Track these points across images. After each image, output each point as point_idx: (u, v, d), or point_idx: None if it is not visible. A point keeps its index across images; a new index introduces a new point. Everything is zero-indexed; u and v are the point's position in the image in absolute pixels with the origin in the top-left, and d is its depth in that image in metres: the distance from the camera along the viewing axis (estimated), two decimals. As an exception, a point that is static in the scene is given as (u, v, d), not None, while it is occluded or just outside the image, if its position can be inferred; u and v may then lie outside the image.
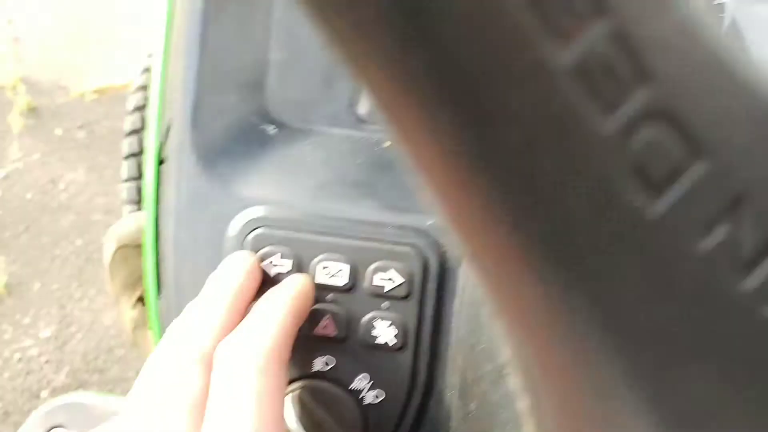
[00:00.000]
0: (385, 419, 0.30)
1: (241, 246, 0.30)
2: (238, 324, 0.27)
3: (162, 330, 0.35)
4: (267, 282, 0.29)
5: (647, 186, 0.10)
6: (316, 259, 0.29)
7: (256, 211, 0.30)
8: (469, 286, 0.29)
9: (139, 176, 0.96)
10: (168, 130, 0.33)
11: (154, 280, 0.35)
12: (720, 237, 0.10)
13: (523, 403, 0.14)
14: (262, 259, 0.29)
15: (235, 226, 0.30)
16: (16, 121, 1.38)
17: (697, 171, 0.10)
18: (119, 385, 1.16)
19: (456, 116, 0.10)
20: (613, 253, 0.10)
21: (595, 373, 0.11)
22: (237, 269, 0.28)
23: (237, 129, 0.32)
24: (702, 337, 0.10)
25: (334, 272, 0.29)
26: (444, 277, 0.30)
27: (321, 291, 0.30)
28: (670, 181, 0.10)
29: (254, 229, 0.30)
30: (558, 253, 0.10)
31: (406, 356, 0.30)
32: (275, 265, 0.29)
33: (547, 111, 0.10)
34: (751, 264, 0.10)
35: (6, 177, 1.35)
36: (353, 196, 0.31)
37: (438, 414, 0.30)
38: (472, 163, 0.10)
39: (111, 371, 1.18)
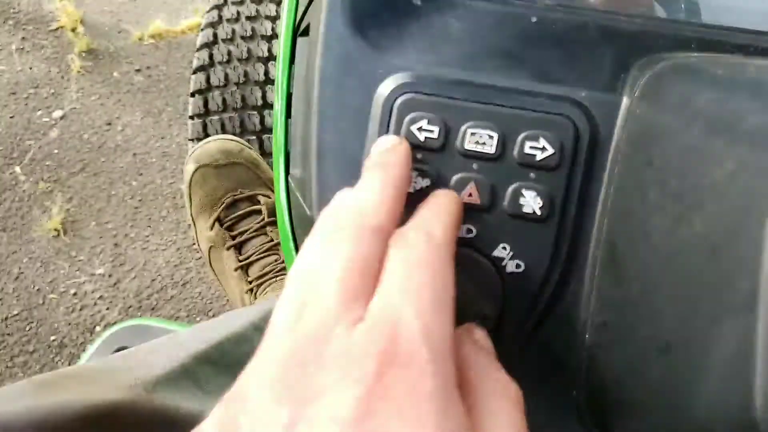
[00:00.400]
0: (524, 289, 0.30)
1: (389, 111, 0.30)
2: (401, 213, 0.27)
3: (289, 208, 0.35)
4: (415, 148, 0.29)
5: None
6: (464, 126, 0.29)
7: (405, 77, 0.30)
8: (624, 156, 0.28)
9: (205, 113, 0.97)
10: (310, 1, 0.33)
11: (283, 158, 0.35)
12: None
13: None
14: (410, 124, 0.29)
15: (383, 91, 0.30)
16: (75, 62, 1.40)
17: None
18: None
19: None
20: None
21: None
22: (399, 156, 0.28)
23: None
24: None
25: (482, 139, 0.29)
26: (594, 148, 0.29)
27: (468, 159, 0.29)
28: None
29: (403, 94, 0.30)
30: None
31: (550, 228, 0.29)
32: (423, 130, 0.29)
33: None
34: None
35: (64, 117, 1.36)
36: (503, 66, 0.30)
37: (578, 287, 0.30)
38: None
39: (163, 310, 1.20)
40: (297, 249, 0.35)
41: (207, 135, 0.98)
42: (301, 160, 0.33)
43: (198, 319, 1.22)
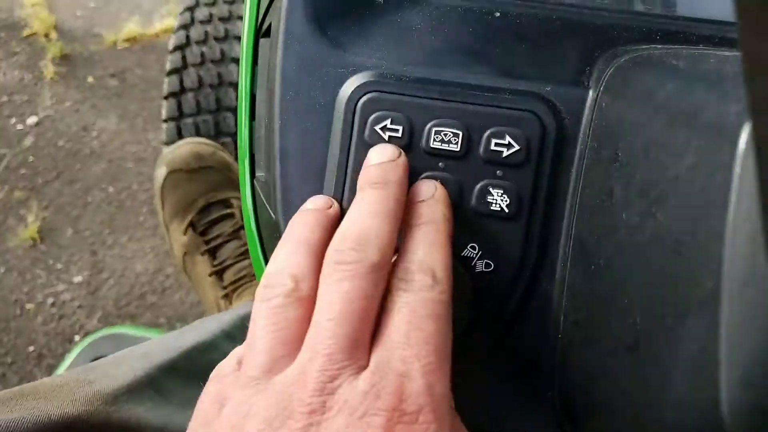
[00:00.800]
0: (494, 289, 0.29)
1: (352, 111, 0.29)
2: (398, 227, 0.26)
3: (255, 214, 0.34)
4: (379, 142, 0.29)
5: None
6: (429, 124, 0.29)
7: (368, 76, 0.29)
8: (591, 150, 0.28)
9: (179, 116, 0.96)
10: (271, 1, 0.32)
11: (247, 162, 0.34)
12: None
13: None
14: (374, 124, 0.29)
15: (346, 91, 0.29)
16: (48, 68, 1.38)
17: None
18: (152, 329, 1.17)
19: None
20: None
21: None
22: (399, 173, 0.27)
23: None
24: None
25: (447, 138, 0.28)
26: (561, 144, 0.29)
27: (433, 157, 0.29)
28: None
29: (366, 93, 0.29)
30: None
31: (519, 225, 0.29)
32: (387, 129, 0.29)
33: None
34: None
35: (38, 123, 1.34)
36: (466, 62, 0.30)
37: (549, 285, 0.29)
38: None
39: (143, 317, 1.19)
40: (265, 254, 0.34)
41: (181, 138, 0.97)
42: (265, 162, 0.32)
43: (179, 325, 1.21)
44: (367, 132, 0.29)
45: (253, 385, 0.22)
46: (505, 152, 0.28)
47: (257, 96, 0.33)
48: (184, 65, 0.96)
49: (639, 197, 0.23)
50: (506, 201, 0.28)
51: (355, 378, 0.21)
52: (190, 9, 0.98)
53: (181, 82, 0.96)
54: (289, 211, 0.29)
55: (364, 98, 0.29)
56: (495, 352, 0.30)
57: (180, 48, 0.96)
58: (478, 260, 0.29)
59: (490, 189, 0.29)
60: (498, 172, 0.29)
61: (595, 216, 0.27)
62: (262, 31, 0.33)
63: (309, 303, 0.24)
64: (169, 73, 0.96)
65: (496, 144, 0.28)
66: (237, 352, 0.24)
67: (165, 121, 0.98)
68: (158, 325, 1.19)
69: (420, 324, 0.23)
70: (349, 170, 0.29)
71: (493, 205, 0.29)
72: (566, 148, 0.29)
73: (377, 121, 0.29)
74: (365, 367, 0.22)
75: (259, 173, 0.34)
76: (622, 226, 0.24)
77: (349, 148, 0.29)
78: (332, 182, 0.29)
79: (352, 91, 0.29)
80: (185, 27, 0.97)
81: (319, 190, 0.30)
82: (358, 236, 0.24)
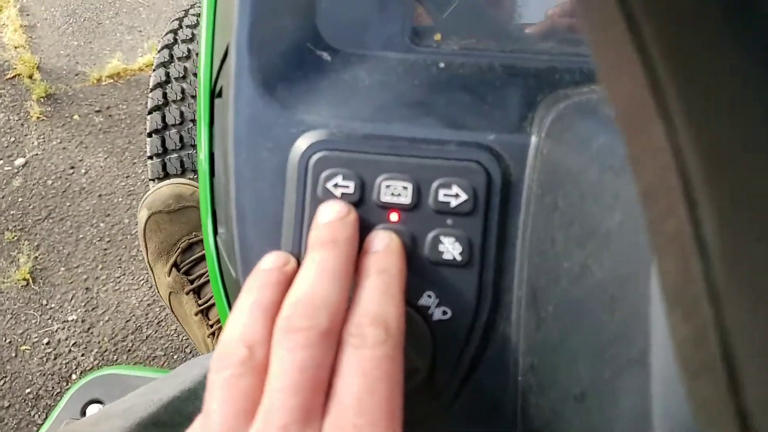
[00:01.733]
0: (453, 336, 0.29)
1: (304, 169, 0.30)
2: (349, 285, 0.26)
3: (219, 269, 0.34)
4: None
5: None
6: (379, 179, 0.29)
7: (317, 135, 0.30)
8: (536, 196, 0.28)
9: (163, 152, 0.96)
10: (224, 59, 0.33)
11: (210, 218, 0.34)
12: None
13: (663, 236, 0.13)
14: (326, 181, 0.29)
15: (297, 150, 0.30)
16: (34, 108, 1.39)
17: None
18: (148, 363, 1.17)
19: None
20: None
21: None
22: (348, 231, 0.27)
23: (293, 55, 0.32)
24: None
25: (398, 191, 0.29)
26: (507, 191, 0.29)
27: (386, 210, 0.29)
28: None
29: (316, 152, 0.29)
30: None
31: (472, 272, 0.29)
32: (339, 186, 0.29)
33: None
34: None
35: (26, 164, 1.35)
36: (413, 115, 0.30)
37: (506, 329, 0.30)
38: None
39: (139, 351, 1.19)
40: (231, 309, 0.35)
41: (167, 174, 0.97)
42: (224, 221, 0.32)
43: (175, 357, 1.21)
44: (319, 189, 0.29)
45: None
46: (454, 202, 0.29)
47: (215, 154, 0.34)
48: (165, 102, 0.97)
49: (577, 248, 0.24)
50: (458, 249, 0.29)
51: None
52: (168, 47, 0.99)
53: (164, 118, 0.97)
54: (249, 269, 0.29)
55: (315, 157, 0.29)
56: (457, 398, 0.30)
57: (160, 85, 0.97)
58: (435, 308, 0.29)
59: (442, 238, 0.29)
60: (448, 221, 0.29)
61: (542, 263, 0.27)
62: (216, 92, 0.34)
63: (264, 370, 0.24)
64: (151, 111, 0.97)
65: (445, 195, 0.29)
66: (195, 426, 0.24)
67: (150, 158, 0.99)
68: (155, 358, 1.19)
69: (372, 386, 0.23)
70: (304, 227, 0.29)
71: (446, 253, 0.29)
72: (513, 195, 0.29)
73: (328, 178, 0.29)
74: None
75: (221, 229, 0.34)
76: (564, 276, 0.24)
77: (303, 206, 0.29)
78: (289, 239, 0.29)
79: (303, 151, 0.30)
80: (164, 65, 0.98)
81: (277, 247, 0.30)
82: (308, 302, 0.24)
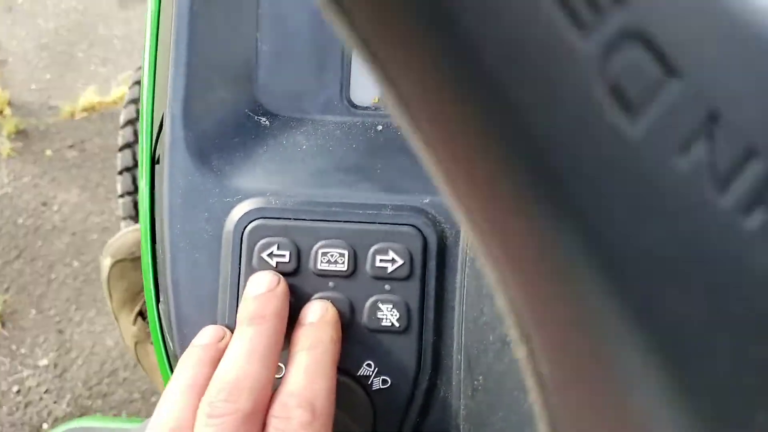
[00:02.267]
0: (394, 404, 0.29)
1: (240, 239, 0.29)
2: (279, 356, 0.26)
3: (162, 338, 0.32)
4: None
5: (626, 107, 0.10)
6: (315, 247, 0.29)
7: (252, 203, 0.30)
8: (470, 260, 0.28)
9: (134, 190, 0.93)
10: (160, 128, 0.31)
11: (152, 286, 0.32)
12: (698, 155, 0.10)
13: (520, 353, 0.13)
14: (261, 251, 0.29)
15: (232, 220, 0.29)
16: (4, 144, 1.35)
17: (672, 91, 0.10)
18: (125, 407, 1.13)
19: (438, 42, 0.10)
20: (596, 175, 0.10)
21: (583, 304, 0.11)
22: (276, 304, 0.27)
23: (229, 122, 0.32)
24: (688, 255, 0.10)
25: (334, 258, 0.29)
26: (444, 254, 0.29)
27: (323, 278, 0.29)
28: (648, 102, 0.10)
29: (251, 222, 0.29)
30: (542, 175, 0.10)
31: (411, 338, 0.29)
32: (275, 255, 0.29)
33: (529, 33, 0.10)
34: (728, 180, 0.10)
35: (-4, 202, 1.31)
36: (349, 180, 0.30)
37: (447, 394, 0.29)
38: (454, 88, 0.10)
39: (115, 395, 1.14)
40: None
41: (137, 212, 0.94)
42: (163, 290, 0.31)
43: (152, 400, 1.16)
44: (255, 260, 0.29)
45: None
46: (390, 267, 0.29)
47: (156, 221, 0.32)
48: (136, 139, 0.94)
49: (499, 322, 0.23)
50: (396, 315, 0.29)
51: None
52: (139, 83, 0.96)
53: (134, 156, 0.94)
54: (185, 342, 0.29)
55: (250, 226, 0.29)
56: None
57: (131, 122, 0.95)
58: (374, 378, 0.29)
59: (380, 305, 0.29)
60: (386, 286, 0.29)
61: (474, 330, 0.27)
62: (156, 159, 0.32)
63: None
64: (122, 148, 0.94)
65: (381, 260, 0.29)
66: None
67: (121, 196, 0.96)
68: (132, 401, 1.15)
69: None
70: (240, 299, 0.29)
71: (384, 320, 0.29)
72: (449, 258, 0.29)
73: (264, 248, 0.29)
74: None
75: (162, 298, 0.32)
76: (490, 348, 0.24)
77: (238, 277, 0.29)
78: (225, 312, 0.29)
79: (238, 220, 0.29)
80: (135, 101, 0.95)
81: (213, 320, 0.29)
82: (232, 385, 0.24)
